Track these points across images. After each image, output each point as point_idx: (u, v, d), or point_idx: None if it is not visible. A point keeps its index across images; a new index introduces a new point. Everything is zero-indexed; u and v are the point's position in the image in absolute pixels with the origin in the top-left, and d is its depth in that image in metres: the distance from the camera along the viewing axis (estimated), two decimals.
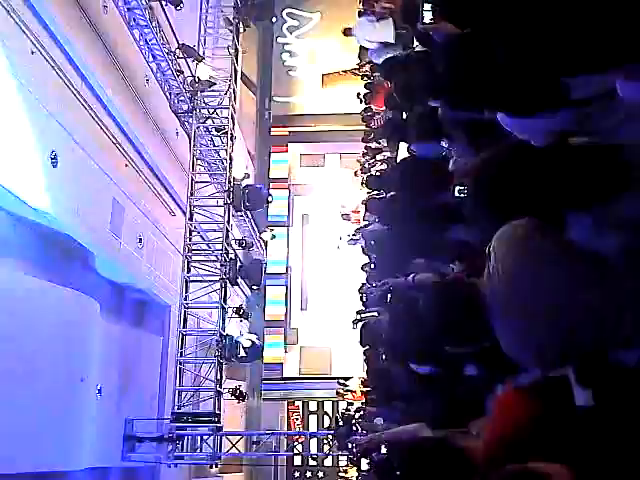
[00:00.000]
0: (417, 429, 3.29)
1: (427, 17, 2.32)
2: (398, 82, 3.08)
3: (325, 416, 21.65)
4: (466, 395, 2.81)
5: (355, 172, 14.25)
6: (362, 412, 11.97)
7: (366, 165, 11.73)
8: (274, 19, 22.34)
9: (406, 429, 3.67)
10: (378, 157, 10.28)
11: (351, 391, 15.85)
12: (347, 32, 8.35)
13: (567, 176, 1.38)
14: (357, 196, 14.72)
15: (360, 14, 7.76)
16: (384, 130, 3.81)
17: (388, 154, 8.40)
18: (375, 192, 8.04)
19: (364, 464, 11.86)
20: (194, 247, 13.54)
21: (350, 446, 11.82)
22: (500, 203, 1.56)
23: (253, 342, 13.89)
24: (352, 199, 16.24)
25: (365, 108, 10.92)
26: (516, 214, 1.51)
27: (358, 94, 11.25)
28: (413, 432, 3.34)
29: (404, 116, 4.14)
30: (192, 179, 13.65)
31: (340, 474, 18.06)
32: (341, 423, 12.75)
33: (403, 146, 4.16)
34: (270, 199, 15.42)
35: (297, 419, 21.73)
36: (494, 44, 1.44)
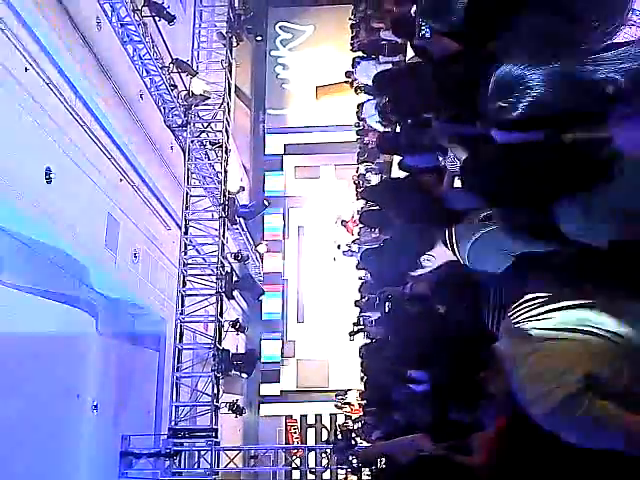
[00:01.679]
0: (417, 439, 3.28)
1: (425, 31, 2.33)
2: (391, 95, 3.10)
3: (323, 429, 21.55)
4: (465, 407, 2.80)
5: (354, 181, 14.16)
6: (360, 424, 11.93)
7: (361, 181, 11.75)
8: (265, 33, 22.42)
9: (406, 440, 3.65)
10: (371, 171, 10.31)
11: (349, 404, 15.81)
12: (348, 75, 8.47)
13: (554, 166, 1.40)
14: (353, 206, 14.77)
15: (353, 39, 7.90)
16: (378, 143, 3.83)
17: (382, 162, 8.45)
18: (370, 204, 8.06)
19: (365, 475, 11.80)
20: (189, 261, 13.52)
21: (349, 459, 11.77)
22: (489, 194, 1.59)
23: (248, 349, 13.89)
24: (348, 209, 16.30)
25: (357, 123, 10.95)
26: (504, 205, 1.60)
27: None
28: (413, 442, 3.32)
29: (397, 129, 4.16)
30: (187, 193, 13.65)
31: None
32: (340, 437, 12.69)
33: (397, 159, 4.18)
34: (267, 202, 15.48)
35: (295, 433, 21.61)
36: (490, 59, 1.45)
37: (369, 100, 7.25)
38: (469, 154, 1.94)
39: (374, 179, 10.05)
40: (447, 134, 2.31)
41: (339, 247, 16.66)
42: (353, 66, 9.85)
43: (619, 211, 1.42)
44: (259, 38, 14.29)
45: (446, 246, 2.42)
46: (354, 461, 11.80)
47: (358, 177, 12.29)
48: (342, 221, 16.02)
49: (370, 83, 6.52)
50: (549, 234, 1.54)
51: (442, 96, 2.04)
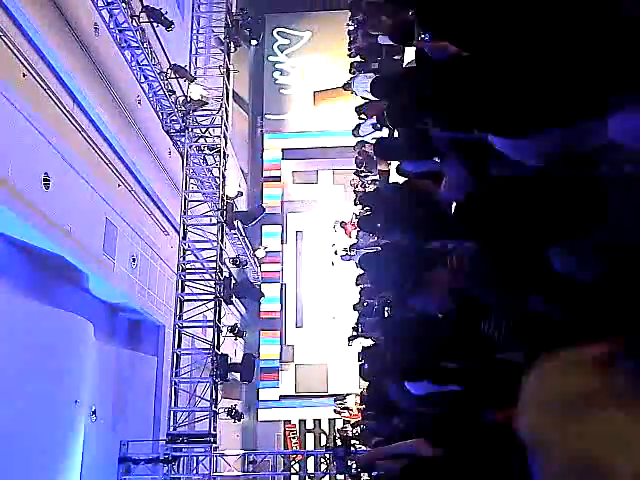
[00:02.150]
0: (416, 444, 3.28)
1: (425, 35, 2.35)
2: (389, 101, 3.11)
3: (322, 434, 21.51)
4: (465, 410, 2.80)
5: (351, 183, 14.13)
6: (359, 429, 11.91)
7: (359, 186, 11.74)
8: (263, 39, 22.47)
9: (405, 444, 3.64)
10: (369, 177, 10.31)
11: (348, 409, 15.78)
12: (346, 87, 8.50)
13: (549, 208, 1.40)
14: (350, 210, 14.78)
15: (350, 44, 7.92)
16: (375, 149, 3.83)
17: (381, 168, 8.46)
18: (367, 209, 8.07)
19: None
20: (188, 266, 13.51)
21: (348, 465, 11.75)
22: (483, 231, 1.57)
23: (247, 354, 13.86)
24: (346, 214, 16.30)
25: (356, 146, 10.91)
26: (499, 240, 1.57)
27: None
28: (412, 447, 3.32)
29: (395, 134, 4.16)
30: (185, 198, 13.66)
31: None
32: (339, 443, 12.66)
33: (395, 164, 4.19)
34: (263, 206, 15.50)
35: (294, 438, 21.57)
36: (492, 65, 1.46)
37: (365, 120, 7.29)
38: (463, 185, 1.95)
39: (371, 186, 10.07)
40: (444, 139, 2.31)
41: (336, 253, 16.66)
42: (351, 71, 9.88)
43: (606, 249, 1.42)
44: (254, 42, 14.24)
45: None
46: (353, 466, 11.78)
47: (356, 183, 12.29)
48: (341, 222, 16.01)
49: (368, 96, 6.56)
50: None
51: (440, 100, 2.04)
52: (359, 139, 9.69)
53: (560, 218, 1.38)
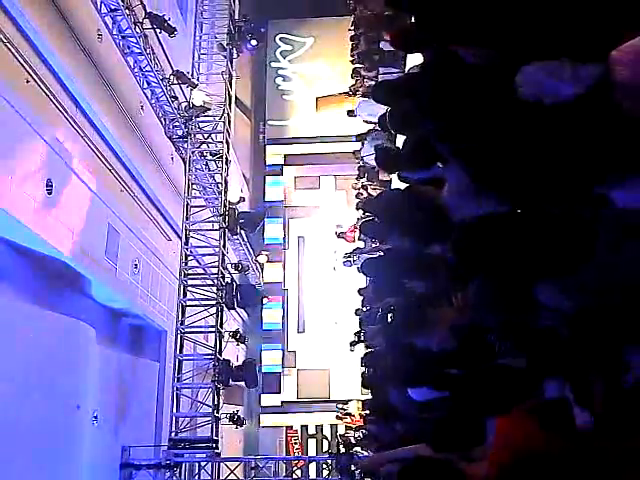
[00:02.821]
0: (419, 449, 3.27)
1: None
2: (391, 106, 3.11)
3: (324, 440, 21.46)
4: (468, 416, 2.80)
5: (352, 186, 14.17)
6: (362, 435, 11.88)
7: (361, 190, 11.75)
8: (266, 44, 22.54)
9: (408, 450, 3.64)
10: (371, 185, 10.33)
11: (350, 415, 15.74)
12: (350, 114, 8.52)
13: (536, 246, 1.45)
14: (352, 216, 14.77)
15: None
16: (377, 156, 3.84)
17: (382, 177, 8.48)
18: (369, 215, 8.06)
19: None
20: (190, 271, 13.52)
21: (351, 470, 11.72)
22: (473, 265, 1.63)
23: (247, 360, 13.85)
24: (348, 219, 16.29)
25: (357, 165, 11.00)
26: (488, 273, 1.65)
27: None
28: (415, 453, 3.31)
29: (397, 140, 4.17)
30: (187, 203, 13.68)
31: None
32: (342, 449, 12.63)
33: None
34: (265, 212, 15.52)
35: (296, 443, 21.53)
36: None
37: (368, 140, 7.30)
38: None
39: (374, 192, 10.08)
40: (446, 145, 2.32)
41: (337, 260, 16.66)
42: (353, 76, 9.90)
43: (592, 286, 1.46)
44: (254, 42, 14.23)
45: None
46: (356, 472, 11.75)
47: (358, 189, 12.31)
48: (340, 233, 15.99)
49: (372, 120, 6.56)
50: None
51: (442, 106, 2.05)
52: (361, 155, 9.76)
53: (547, 256, 1.43)
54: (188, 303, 13.26)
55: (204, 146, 14.20)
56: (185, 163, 13.91)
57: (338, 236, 16.04)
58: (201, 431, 12.95)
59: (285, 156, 23.99)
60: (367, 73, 8.68)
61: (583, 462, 1.58)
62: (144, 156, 13.40)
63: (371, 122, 7.03)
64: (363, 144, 9.04)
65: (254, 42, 14.35)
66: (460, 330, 2.46)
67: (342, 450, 12.67)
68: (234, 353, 16.35)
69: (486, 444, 2.47)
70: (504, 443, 1.88)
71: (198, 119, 13.69)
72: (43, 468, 8.85)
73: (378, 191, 9.10)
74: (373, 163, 6.89)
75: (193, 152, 13.82)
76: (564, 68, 1.44)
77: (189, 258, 13.49)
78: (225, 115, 14.02)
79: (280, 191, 23.90)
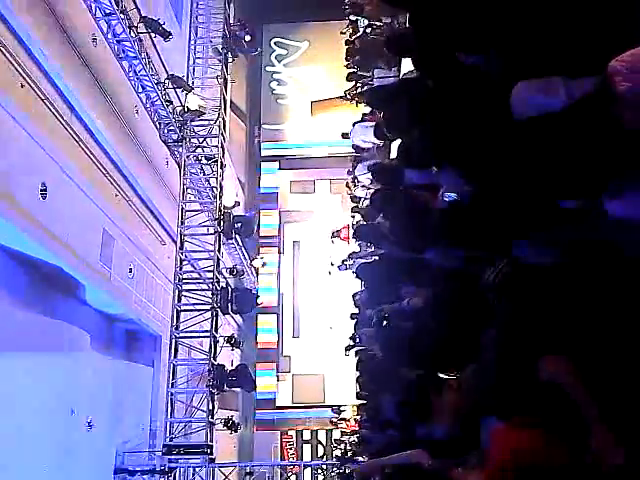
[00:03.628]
0: (415, 455, 3.26)
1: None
2: (386, 111, 3.11)
3: (319, 445, 21.41)
4: (463, 422, 2.79)
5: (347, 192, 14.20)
6: (357, 440, 11.86)
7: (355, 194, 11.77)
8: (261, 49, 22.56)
9: (404, 455, 3.63)
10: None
11: (345, 420, 15.72)
12: (345, 136, 8.54)
13: (515, 211, 1.59)
14: (347, 220, 14.79)
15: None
16: (372, 172, 3.84)
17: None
18: (363, 218, 8.07)
19: None
20: (185, 276, 13.48)
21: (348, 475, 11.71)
22: (460, 233, 1.76)
23: (240, 364, 13.80)
24: (343, 223, 16.31)
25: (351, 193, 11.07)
26: (473, 242, 1.83)
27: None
28: (412, 458, 3.31)
29: (392, 146, 4.17)
30: (182, 208, 13.65)
31: None
32: (337, 454, 12.61)
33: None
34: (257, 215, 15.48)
35: (290, 449, 21.47)
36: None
37: (361, 161, 7.31)
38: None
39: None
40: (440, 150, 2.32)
41: (332, 264, 16.64)
42: (348, 80, 9.89)
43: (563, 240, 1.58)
44: (248, 38, 14.18)
45: None
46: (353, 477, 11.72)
47: (352, 193, 12.33)
48: (334, 232, 15.98)
49: (365, 146, 6.57)
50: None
51: (439, 111, 2.05)
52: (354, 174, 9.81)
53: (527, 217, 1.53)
54: (183, 308, 13.21)
55: (199, 150, 14.18)
56: (180, 167, 13.89)
57: (332, 235, 16.06)
58: (196, 436, 12.90)
59: (280, 160, 24.00)
60: (362, 77, 8.68)
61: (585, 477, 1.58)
62: (139, 160, 13.37)
63: (362, 147, 6.98)
64: (355, 166, 9.07)
65: (248, 37, 14.28)
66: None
67: (338, 454, 12.66)
68: (229, 358, 16.31)
69: (480, 449, 2.46)
70: (504, 455, 1.86)
71: (193, 123, 13.67)
72: (37, 473, 8.80)
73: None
74: (368, 183, 6.89)
75: (188, 156, 13.80)
76: (555, 84, 1.45)
77: (184, 262, 13.45)
78: (220, 119, 14.02)
79: (275, 195, 23.91)
